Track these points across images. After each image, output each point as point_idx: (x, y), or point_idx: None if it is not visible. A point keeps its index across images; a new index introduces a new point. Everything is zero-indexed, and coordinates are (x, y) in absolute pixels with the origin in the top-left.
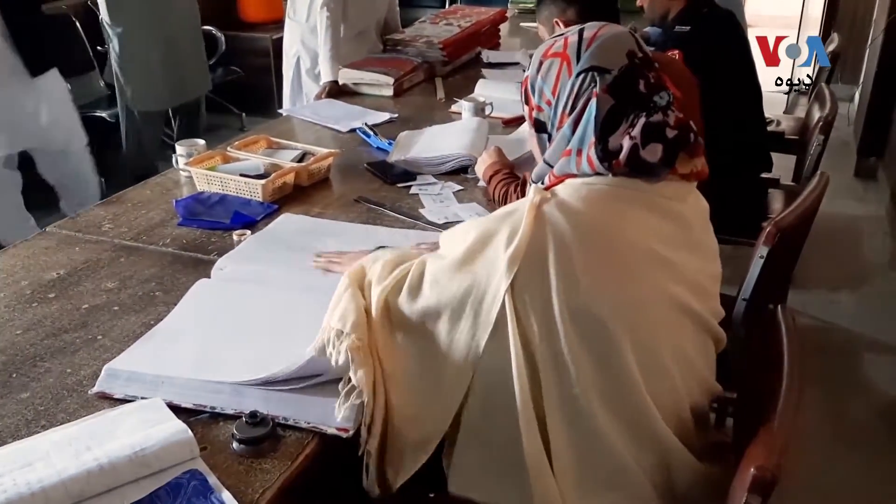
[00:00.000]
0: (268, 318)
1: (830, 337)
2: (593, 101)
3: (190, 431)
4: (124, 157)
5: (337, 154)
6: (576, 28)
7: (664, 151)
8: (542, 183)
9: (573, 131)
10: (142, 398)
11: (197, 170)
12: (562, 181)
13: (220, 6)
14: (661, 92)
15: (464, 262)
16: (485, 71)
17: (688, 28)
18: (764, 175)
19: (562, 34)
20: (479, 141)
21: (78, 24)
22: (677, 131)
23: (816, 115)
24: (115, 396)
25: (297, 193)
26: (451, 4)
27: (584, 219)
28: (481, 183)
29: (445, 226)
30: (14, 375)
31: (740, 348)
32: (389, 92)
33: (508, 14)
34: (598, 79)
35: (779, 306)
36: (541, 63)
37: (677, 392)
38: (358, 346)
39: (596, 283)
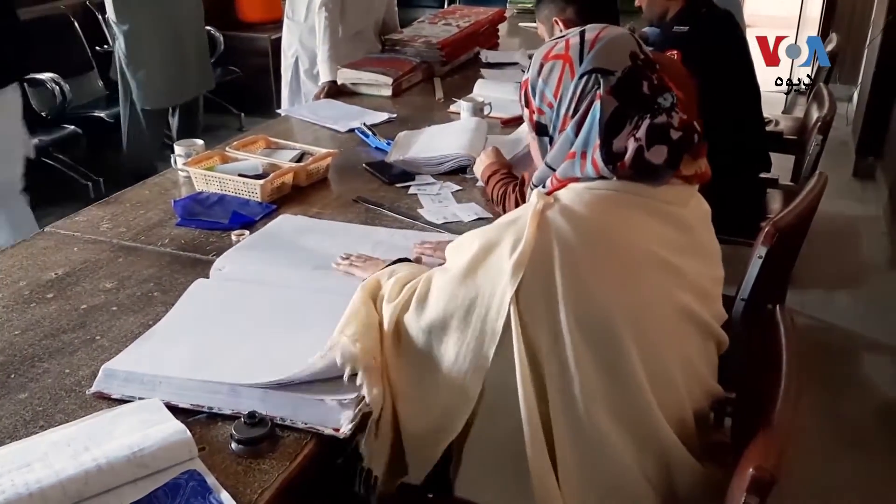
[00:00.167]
0: (266, 318)
1: (829, 337)
2: (597, 104)
3: (188, 432)
4: (124, 156)
5: (335, 154)
6: (576, 30)
7: (669, 153)
8: (544, 186)
9: (576, 134)
10: (139, 398)
11: (195, 170)
12: (564, 185)
13: (218, 6)
14: (665, 93)
15: (468, 272)
16: (483, 71)
17: (686, 28)
18: (762, 175)
19: (562, 36)
20: (478, 141)
21: (77, 24)
22: (681, 133)
23: (815, 115)
24: (113, 396)
25: (296, 193)
26: (449, 4)
27: (588, 224)
28: (480, 183)
29: (444, 226)
30: (12, 376)
31: (739, 348)
32: (388, 92)
33: (507, 14)
34: (601, 81)
35: (777, 306)
36: (541, 65)
37: (680, 397)
38: (371, 364)
39: (603, 289)
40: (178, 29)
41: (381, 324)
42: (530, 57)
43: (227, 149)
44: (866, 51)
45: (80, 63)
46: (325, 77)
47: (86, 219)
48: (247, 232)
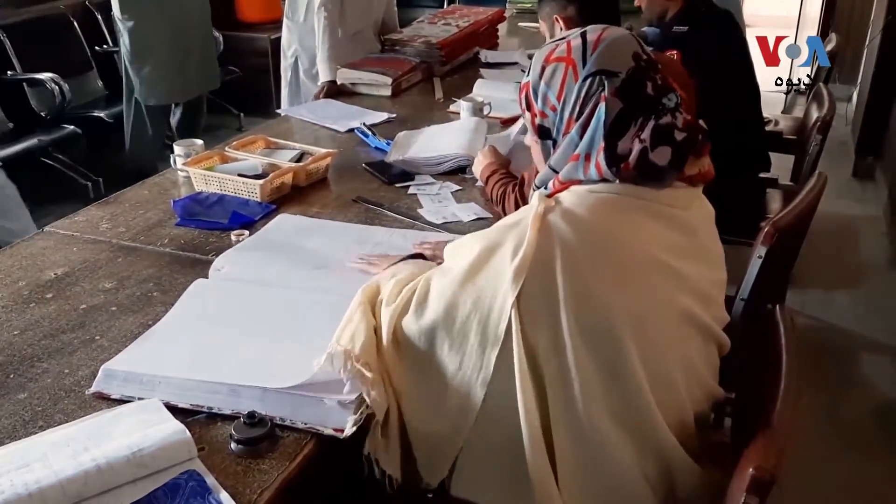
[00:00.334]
0: (265, 318)
1: (828, 337)
2: (602, 106)
3: (188, 432)
4: (126, 153)
5: (335, 154)
6: (577, 31)
7: (673, 154)
8: (546, 189)
9: (581, 136)
10: (139, 398)
11: (195, 170)
12: (566, 187)
13: (218, 6)
14: (669, 94)
15: (468, 276)
16: (483, 71)
17: (686, 28)
18: (762, 175)
19: (563, 38)
20: (478, 141)
21: (76, 24)
22: (686, 133)
23: (814, 115)
24: (113, 397)
25: (295, 193)
26: (449, 4)
27: (590, 228)
28: (479, 183)
29: (444, 226)
30: (11, 376)
31: (739, 348)
32: (387, 92)
33: (507, 14)
34: (606, 83)
35: (777, 306)
36: (543, 68)
37: (682, 401)
38: (367, 370)
39: (604, 292)
40: (182, 26)
41: (377, 329)
42: (530, 57)
43: (226, 149)
44: (865, 51)
45: (80, 63)
46: (324, 77)
47: (85, 219)
48: (246, 232)
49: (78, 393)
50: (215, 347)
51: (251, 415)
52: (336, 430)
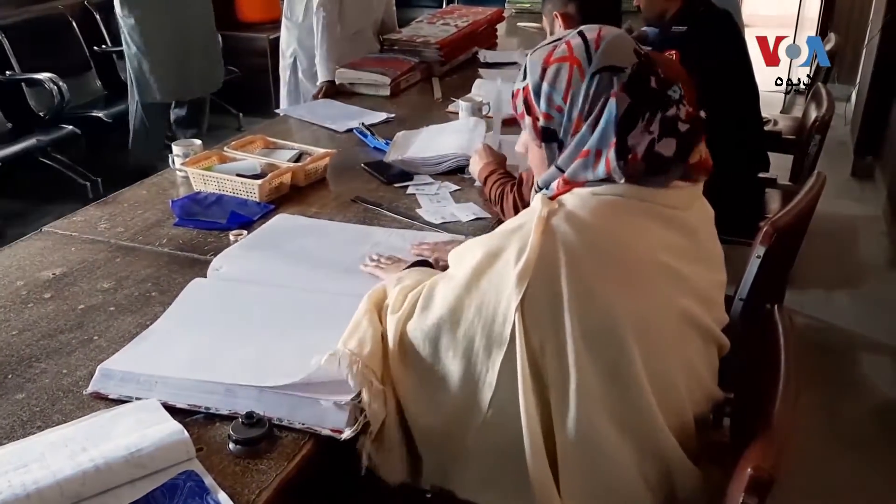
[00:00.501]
0: (263, 318)
1: (827, 336)
2: (612, 101)
3: (186, 432)
4: (130, 151)
5: (334, 154)
6: (573, 31)
7: (678, 145)
8: (549, 190)
9: (591, 133)
10: (136, 398)
11: (193, 170)
12: (569, 189)
13: (217, 6)
14: (673, 86)
15: (472, 281)
16: (482, 71)
17: (685, 28)
18: (761, 175)
19: (557, 39)
20: (476, 141)
21: (75, 24)
22: (689, 125)
23: (813, 114)
24: (110, 397)
25: (294, 193)
26: (448, 4)
27: (593, 231)
28: (477, 183)
29: (442, 225)
30: (9, 376)
31: (737, 348)
32: (386, 92)
33: (505, 14)
34: (614, 79)
35: (776, 306)
36: (544, 69)
37: (682, 402)
38: (371, 378)
39: (608, 295)
40: (183, 25)
41: (384, 335)
42: (527, 57)
43: (225, 149)
44: (864, 50)
45: (79, 63)
46: (323, 77)
47: (83, 219)
48: (245, 232)
49: (76, 393)
50: (213, 347)
51: (249, 415)
52: (334, 430)
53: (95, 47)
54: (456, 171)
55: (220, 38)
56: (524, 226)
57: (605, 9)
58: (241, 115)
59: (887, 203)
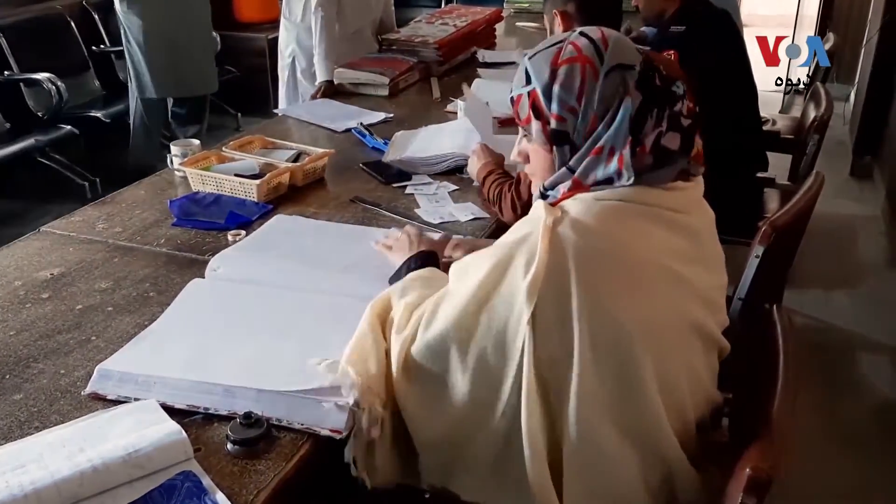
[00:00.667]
0: (262, 319)
1: (826, 336)
2: (628, 99)
3: (184, 433)
4: (130, 150)
5: (332, 154)
6: (573, 33)
7: (682, 139)
8: (553, 193)
9: (606, 131)
10: (134, 399)
11: (192, 170)
12: (571, 195)
13: (216, 6)
14: (676, 81)
15: (481, 296)
16: (480, 71)
17: (683, 28)
18: (760, 175)
19: (560, 41)
20: (475, 141)
21: (73, 24)
22: (690, 120)
23: (812, 114)
24: (108, 397)
25: (293, 193)
26: (446, 4)
27: (601, 239)
28: (476, 183)
29: (441, 225)
30: (7, 377)
31: (736, 348)
32: (385, 92)
33: (504, 14)
34: (627, 76)
35: (775, 306)
36: (554, 71)
37: (685, 407)
38: (375, 401)
39: (617, 303)
40: (183, 21)
41: (387, 351)
42: (528, 60)
43: (223, 149)
44: (863, 50)
45: (77, 63)
46: (321, 77)
47: (81, 219)
48: (243, 232)
49: (74, 394)
50: (211, 348)
51: (248, 415)
52: (333, 430)
53: (94, 47)
54: (454, 171)
55: (217, 40)
56: (530, 236)
57: (605, 8)
58: (239, 114)
59: (886, 203)
